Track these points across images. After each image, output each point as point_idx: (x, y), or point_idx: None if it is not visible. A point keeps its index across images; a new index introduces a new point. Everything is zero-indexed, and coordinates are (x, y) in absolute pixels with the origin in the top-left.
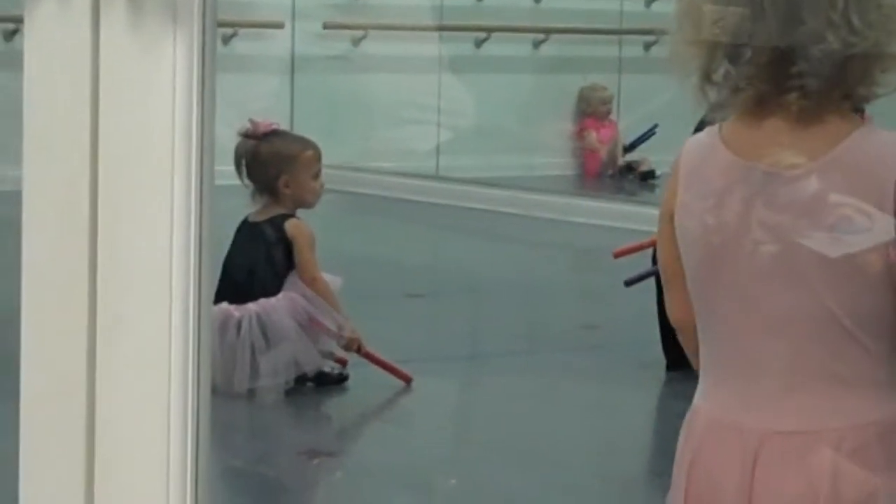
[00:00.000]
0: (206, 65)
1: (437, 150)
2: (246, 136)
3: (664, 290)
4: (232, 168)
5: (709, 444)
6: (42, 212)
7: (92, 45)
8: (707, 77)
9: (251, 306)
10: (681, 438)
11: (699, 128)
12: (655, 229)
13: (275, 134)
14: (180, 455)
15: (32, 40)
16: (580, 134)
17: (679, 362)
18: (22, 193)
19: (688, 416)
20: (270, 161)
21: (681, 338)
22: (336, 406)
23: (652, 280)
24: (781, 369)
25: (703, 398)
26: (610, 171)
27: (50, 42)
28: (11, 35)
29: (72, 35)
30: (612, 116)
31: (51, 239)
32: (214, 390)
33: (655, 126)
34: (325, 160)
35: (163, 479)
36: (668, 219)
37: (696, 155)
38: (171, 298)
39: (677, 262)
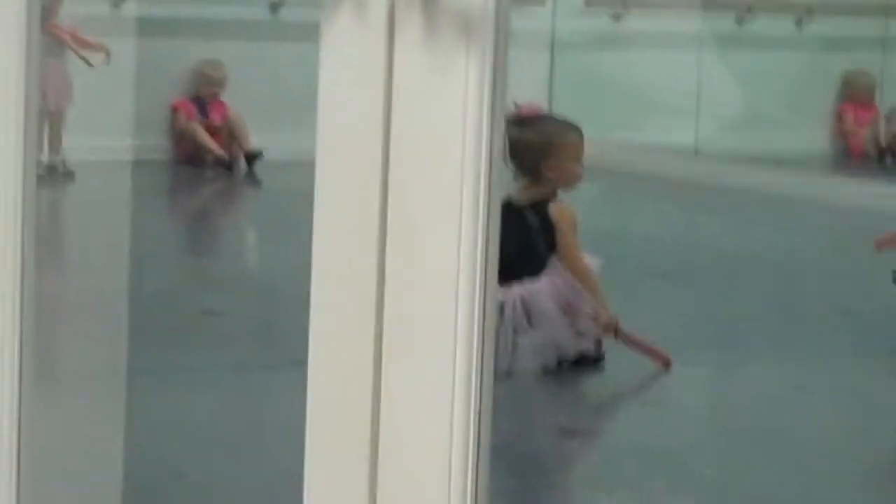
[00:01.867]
0: (497, 79)
1: (696, 127)
2: (510, 120)
3: None
4: None
5: None
6: (333, 217)
7: (386, 59)
8: None
9: (515, 288)
10: None
11: None
12: None
13: (539, 118)
14: (462, 438)
15: (328, 52)
16: (841, 116)
17: None
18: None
19: None
20: (534, 146)
21: None
22: (593, 387)
23: None
24: None
25: None
26: (873, 154)
27: (345, 54)
28: (277, 8)
29: (367, 49)
30: (875, 102)
31: (340, 245)
32: None
33: None
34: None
35: (445, 464)
36: None
37: None
38: (458, 301)
39: None
